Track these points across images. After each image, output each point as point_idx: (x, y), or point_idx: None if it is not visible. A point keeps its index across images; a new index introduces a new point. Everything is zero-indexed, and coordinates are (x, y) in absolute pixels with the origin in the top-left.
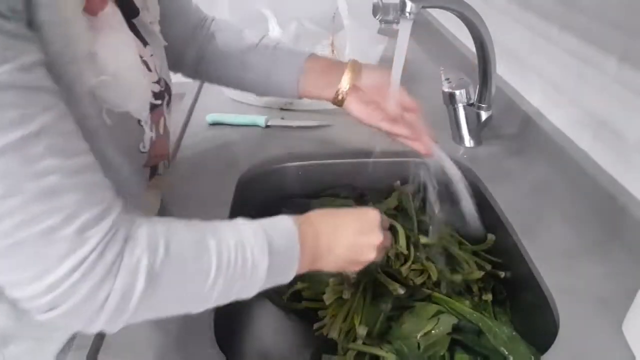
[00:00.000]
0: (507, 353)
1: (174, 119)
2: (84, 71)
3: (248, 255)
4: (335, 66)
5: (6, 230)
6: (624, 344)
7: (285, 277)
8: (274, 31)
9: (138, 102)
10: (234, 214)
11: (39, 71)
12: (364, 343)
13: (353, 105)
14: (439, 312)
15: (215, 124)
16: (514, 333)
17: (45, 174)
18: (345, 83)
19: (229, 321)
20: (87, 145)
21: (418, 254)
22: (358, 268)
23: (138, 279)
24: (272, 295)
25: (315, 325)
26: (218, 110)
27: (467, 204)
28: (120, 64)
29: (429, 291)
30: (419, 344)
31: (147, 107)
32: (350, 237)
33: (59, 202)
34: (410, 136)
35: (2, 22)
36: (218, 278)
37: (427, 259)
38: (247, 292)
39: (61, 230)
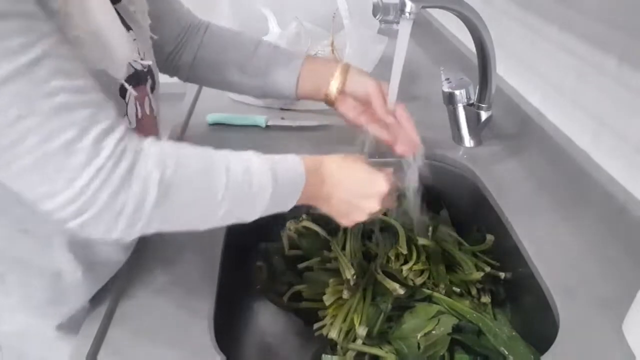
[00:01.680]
0: (507, 353)
1: (174, 119)
2: (59, 28)
3: (254, 182)
4: (326, 68)
5: (31, 147)
6: (624, 344)
7: (284, 207)
8: (274, 31)
9: (114, 61)
10: None
11: (34, 1)
12: (363, 343)
13: (343, 108)
14: (439, 313)
15: (215, 124)
16: (514, 333)
17: (55, 94)
18: (333, 89)
19: (229, 321)
20: (86, 70)
21: (418, 253)
22: (346, 223)
23: (150, 188)
24: (272, 295)
25: (315, 326)
26: (218, 110)
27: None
28: (93, 24)
29: (429, 291)
30: (419, 344)
31: (124, 68)
32: (351, 197)
33: (72, 117)
34: (392, 138)
35: None
36: (225, 196)
37: (427, 259)
38: (248, 217)
39: (79, 142)
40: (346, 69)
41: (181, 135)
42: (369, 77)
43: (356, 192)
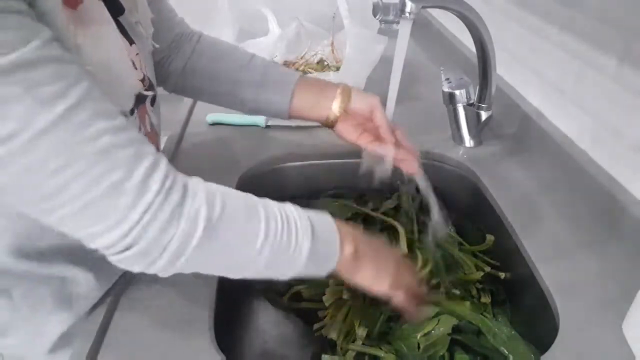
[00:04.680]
0: (507, 353)
1: (174, 119)
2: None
3: (293, 231)
4: (325, 89)
5: (77, 193)
6: (624, 344)
7: (325, 267)
8: (274, 31)
9: (121, 94)
10: None
11: (58, 45)
12: (363, 344)
13: (343, 129)
14: (439, 313)
15: (215, 124)
16: (513, 333)
17: (98, 137)
18: (335, 108)
19: (229, 321)
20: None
21: (417, 254)
22: (397, 289)
23: (198, 226)
24: (272, 295)
25: (315, 326)
26: (218, 110)
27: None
28: (104, 55)
29: (429, 292)
30: (418, 344)
31: (132, 99)
32: (393, 263)
33: (117, 158)
34: (397, 156)
35: (16, 2)
36: (265, 244)
37: (427, 260)
38: (290, 269)
39: (127, 182)
40: (347, 88)
41: (181, 135)
42: (370, 94)
43: (395, 260)
